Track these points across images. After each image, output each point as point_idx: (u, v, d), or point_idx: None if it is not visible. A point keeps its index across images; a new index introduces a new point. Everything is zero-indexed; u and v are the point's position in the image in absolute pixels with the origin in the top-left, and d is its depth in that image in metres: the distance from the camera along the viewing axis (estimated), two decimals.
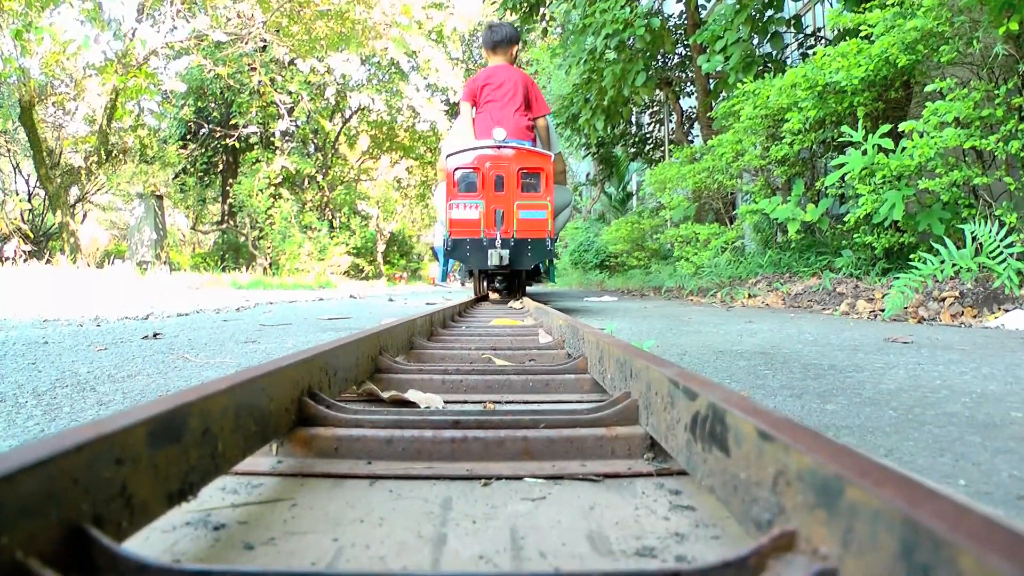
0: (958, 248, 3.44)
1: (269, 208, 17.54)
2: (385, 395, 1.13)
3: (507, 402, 1.18)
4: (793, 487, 0.42)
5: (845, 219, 4.43)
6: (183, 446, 0.53)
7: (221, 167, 21.70)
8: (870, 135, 3.98)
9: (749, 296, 5.13)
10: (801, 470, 0.41)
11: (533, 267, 4.63)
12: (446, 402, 1.15)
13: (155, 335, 2.65)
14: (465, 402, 1.19)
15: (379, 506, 0.64)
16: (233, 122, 18.28)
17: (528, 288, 5.93)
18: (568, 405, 1.15)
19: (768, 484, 0.46)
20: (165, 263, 15.04)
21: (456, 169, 4.29)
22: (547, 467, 0.75)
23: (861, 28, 4.29)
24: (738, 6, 6.39)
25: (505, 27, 4.98)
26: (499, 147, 4.27)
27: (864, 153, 3.98)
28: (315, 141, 23.27)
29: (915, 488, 0.34)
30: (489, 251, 4.18)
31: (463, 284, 9.17)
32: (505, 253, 4.16)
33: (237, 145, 18.93)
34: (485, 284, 5.00)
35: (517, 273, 4.66)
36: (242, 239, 20.33)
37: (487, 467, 0.75)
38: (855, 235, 4.50)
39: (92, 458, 0.44)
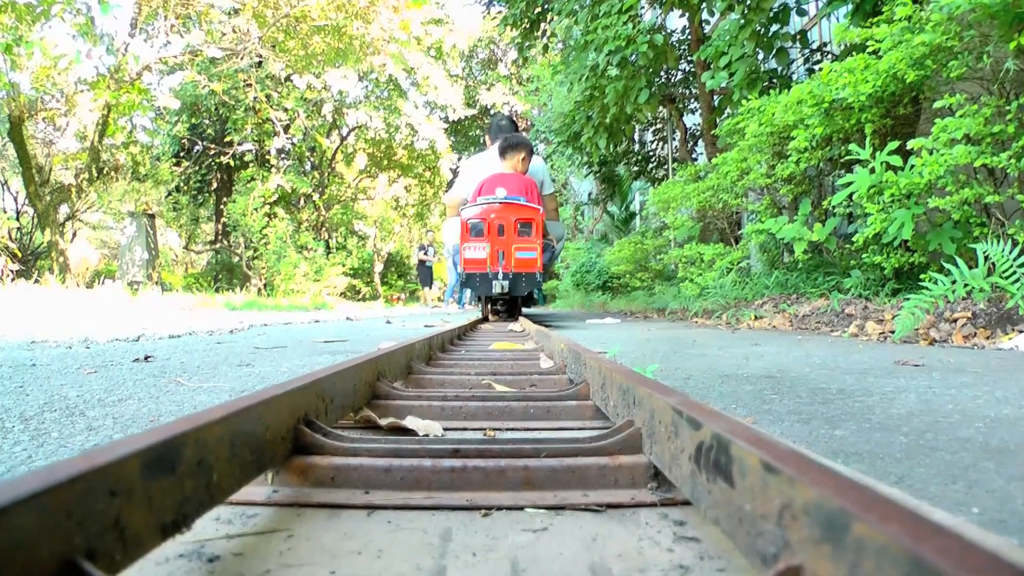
0: (970, 268, 3.45)
1: (264, 227, 17.59)
2: (383, 422, 1.13)
3: (508, 429, 1.19)
4: (799, 521, 0.43)
5: (853, 239, 4.44)
6: (177, 477, 0.54)
7: (215, 185, 21.78)
8: (878, 152, 4.00)
9: (755, 318, 5.13)
10: (807, 503, 0.42)
11: (527, 294, 5.85)
12: (445, 429, 1.16)
13: (146, 358, 2.65)
14: (465, 429, 1.19)
15: (377, 537, 0.64)
16: (228, 139, 18.35)
17: (527, 310, 7.22)
18: (570, 433, 1.16)
19: (773, 517, 0.46)
20: (157, 283, 15.04)
21: (469, 219, 5.68)
22: (549, 497, 0.75)
23: (868, 43, 4.31)
24: (743, 21, 6.45)
25: (519, 136, 6.34)
26: (501, 202, 5.65)
27: (872, 171, 4.00)
28: (311, 159, 23.39)
29: (921, 523, 0.34)
30: (493, 282, 5.57)
31: (463, 308, 10.78)
32: (505, 283, 5.54)
33: (232, 163, 18.99)
34: (489, 307, 6.20)
35: (514, 299, 5.94)
36: (236, 259, 20.38)
37: (487, 497, 0.75)
38: (864, 255, 4.50)
39: (85, 490, 0.44)
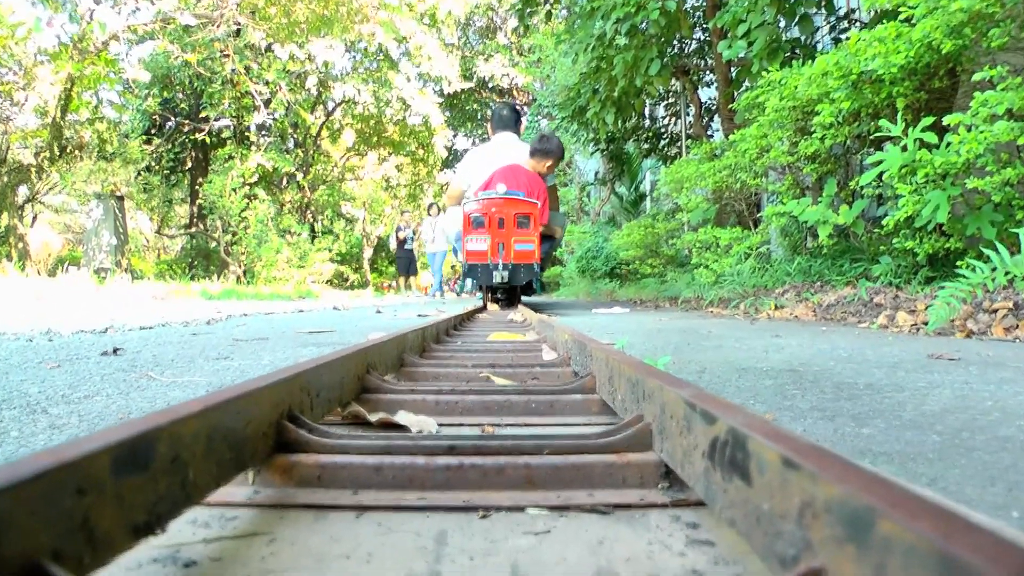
0: (1011, 254, 3.44)
1: (243, 210, 17.55)
2: (373, 418, 1.13)
3: (507, 425, 1.19)
4: (820, 520, 0.43)
5: (883, 222, 4.43)
6: (151, 474, 0.54)
7: (189, 164, 21.74)
8: (911, 129, 3.99)
9: (776, 307, 5.13)
10: (829, 501, 0.42)
11: (525, 283, 6.59)
12: (440, 425, 1.16)
13: (115, 351, 2.65)
14: (461, 425, 1.19)
15: (367, 540, 0.64)
16: (203, 115, 18.27)
17: (529, 299, 8.15)
18: (574, 429, 1.16)
19: (793, 516, 0.46)
20: (126, 271, 15.03)
21: (471, 213, 6.47)
22: (551, 497, 0.75)
23: (900, 9, 4.28)
24: None
25: (554, 140, 7.22)
26: (501, 197, 6.41)
27: (904, 149, 3.99)
28: (295, 136, 23.34)
29: (953, 521, 0.34)
30: (493, 272, 6.38)
31: (458, 295, 11.58)
32: (505, 273, 6.35)
33: (208, 140, 18.95)
34: (490, 295, 6.89)
35: (513, 288, 6.72)
36: (213, 244, 20.36)
37: (486, 497, 0.75)
38: (894, 240, 4.50)
39: (51, 487, 0.44)
